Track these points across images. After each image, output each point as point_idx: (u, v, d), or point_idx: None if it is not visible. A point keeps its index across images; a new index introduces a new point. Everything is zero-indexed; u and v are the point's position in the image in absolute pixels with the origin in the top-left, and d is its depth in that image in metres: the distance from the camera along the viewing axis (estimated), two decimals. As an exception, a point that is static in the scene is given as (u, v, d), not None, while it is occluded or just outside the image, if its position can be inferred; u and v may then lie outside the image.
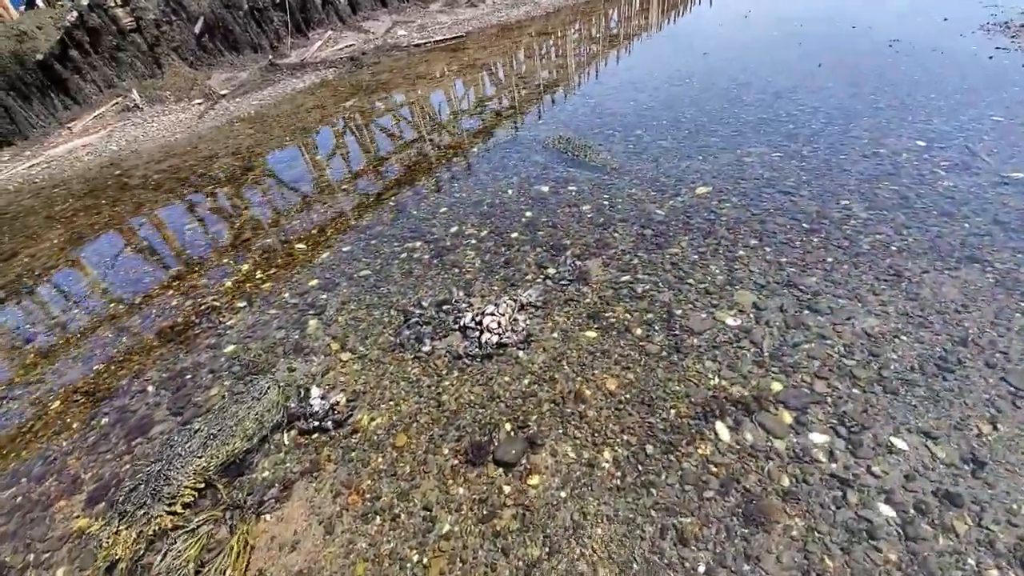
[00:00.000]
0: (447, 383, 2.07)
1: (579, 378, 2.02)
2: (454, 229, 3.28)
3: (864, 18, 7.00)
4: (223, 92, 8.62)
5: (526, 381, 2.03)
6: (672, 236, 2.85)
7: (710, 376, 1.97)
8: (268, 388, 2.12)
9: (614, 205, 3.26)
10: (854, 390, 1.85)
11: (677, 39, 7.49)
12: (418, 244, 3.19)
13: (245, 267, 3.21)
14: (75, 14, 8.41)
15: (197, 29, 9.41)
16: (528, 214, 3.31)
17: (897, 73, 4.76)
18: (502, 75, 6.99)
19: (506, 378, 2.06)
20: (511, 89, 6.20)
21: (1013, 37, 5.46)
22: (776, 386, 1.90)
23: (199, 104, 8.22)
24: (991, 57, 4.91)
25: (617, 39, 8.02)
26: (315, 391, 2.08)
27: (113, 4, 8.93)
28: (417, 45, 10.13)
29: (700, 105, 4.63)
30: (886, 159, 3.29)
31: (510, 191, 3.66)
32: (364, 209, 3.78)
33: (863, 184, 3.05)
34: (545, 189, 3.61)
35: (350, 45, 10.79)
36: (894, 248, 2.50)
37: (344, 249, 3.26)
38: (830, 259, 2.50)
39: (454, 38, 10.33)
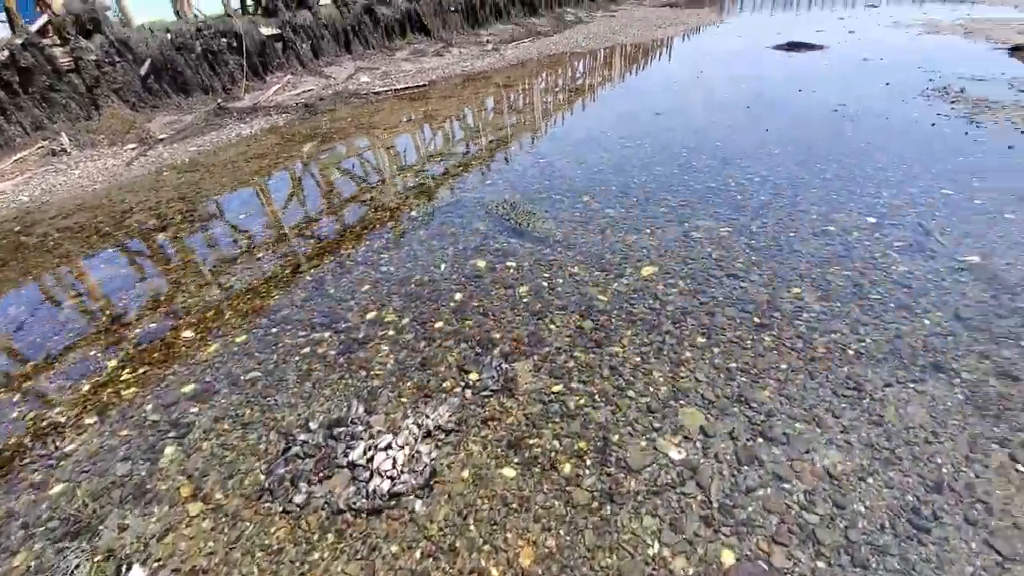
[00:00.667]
0: (316, 556, 1.60)
1: (487, 547, 1.59)
2: (372, 315, 2.87)
3: (809, 80, 7.25)
4: (162, 136, 8.14)
5: (418, 553, 1.58)
6: (614, 330, 2.52)
7: (649, 541, 1.57)
8: (78, 565, 1.60)
9: (554, 287, 2.94)
10: (819, 563, 1.49)
11: (633, 96, 7.55)
12: (326, 335, 2.75)
13: (112, 363, 2.68)
14: (6, 52, 7.88)
15: (143, 71, 8.99)
16: (458, 296, 2.95)
17: (843, 140, 4.78)
18: (456, 129, 6.81)
19: (394, 547, 1.61)
20: (463, 144, 5.99)
21: (953, 103, 5.65)
22: (727, 557, 1.52)
23: (131, 149, 7.70)
24: (933, 124, 5.02)
25: (576, 93, 8.06)
26: (138, 571, 1.57)
27: (50, 43, 8.47)
28: (377, 93, 9.99)
29: (650, 170, 4.48)
30: (837, 238, 3.12)
31: (443, 266, 3.31)
32: (276, 284, 3.34)
33: (814, 268, 2.85)
34: (482, 264, 3.28)
35: (308, 90, 10.56)
36: (851, 352, 2.24)
37: (238, 340, 2.78)
38: (783, 365, 2.21)
39: (416, 87, 10.26)
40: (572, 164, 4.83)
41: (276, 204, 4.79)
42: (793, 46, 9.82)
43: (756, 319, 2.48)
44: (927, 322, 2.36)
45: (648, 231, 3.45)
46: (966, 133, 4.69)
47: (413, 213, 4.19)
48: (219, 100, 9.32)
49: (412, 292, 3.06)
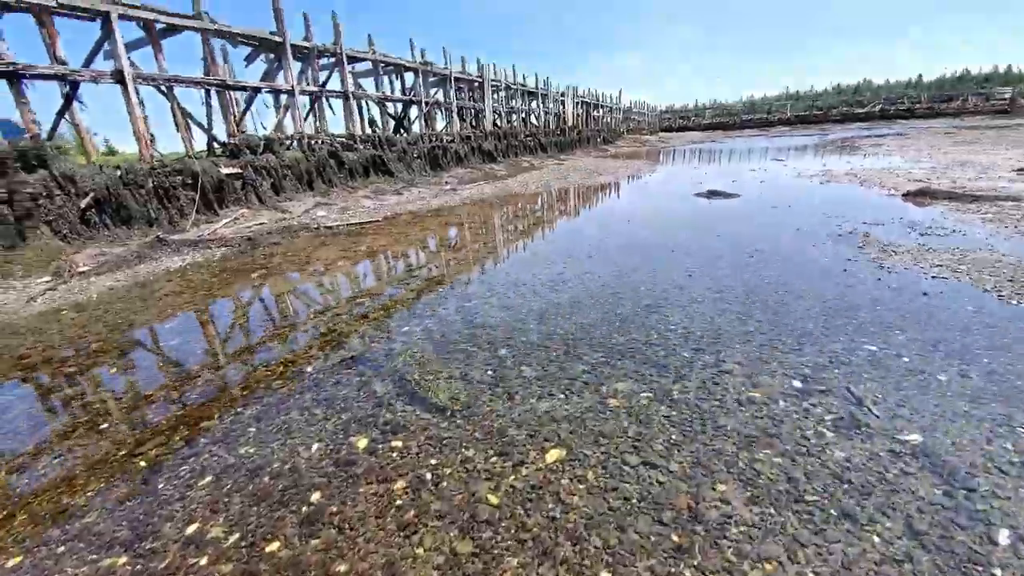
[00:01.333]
0: None
1: None
2: (193, 528, 2.18)
3: (728, 226, 7.79)
4: (83, 269, 7.71)
5: None
6: (496, 557, 1.92)
7: None
8: None
9: (439, 480, 2.37)
10: None
11: (568, 237, 7.85)
12: (120, 562, 2.02)
13: None
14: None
15: (83, 204, 8.90)
16: (315, 497, 2.32)
17: (761, 288, 4.82)
18: (396, 265, 6.72)
19: None
20: (396, 283, 5.80)
21: (860, 247, 6.00)
22: None
23: (44, 283, 7.16)
24: (845, 269, 5.20)
25: (516, 233, 8.37)
26: None
27: (-10, 177, 8.38)
28: (329, 227, 10.16)
29: (574, 318, 4.28)
30: (763, 408, 2.79)
31: (315, 446, 2.72)
32: (99, 473, 2.62)
33: (741, 452, 2.44)
34: (362, 444, 2.71)
35: (260, 223, 10.66)
36: (793, 595, 1.72)
37: (9, 564, 2.01)
38: (709, 620, 1.65)
39: (370, 221, 10.56)
40: (498, 309, 4.61)
41: (158, 357, 4.21)
42: (713, 194, 10.89)
43: (675, 537, 1.96)
44: (876, 540, 1.90)
45: (563, 396, 3.04)
46: (879, 279, 4.83)
47: (309, 368, 3.69)
48: (159, 232, 9.17)
49: (260, 490, 2.41)
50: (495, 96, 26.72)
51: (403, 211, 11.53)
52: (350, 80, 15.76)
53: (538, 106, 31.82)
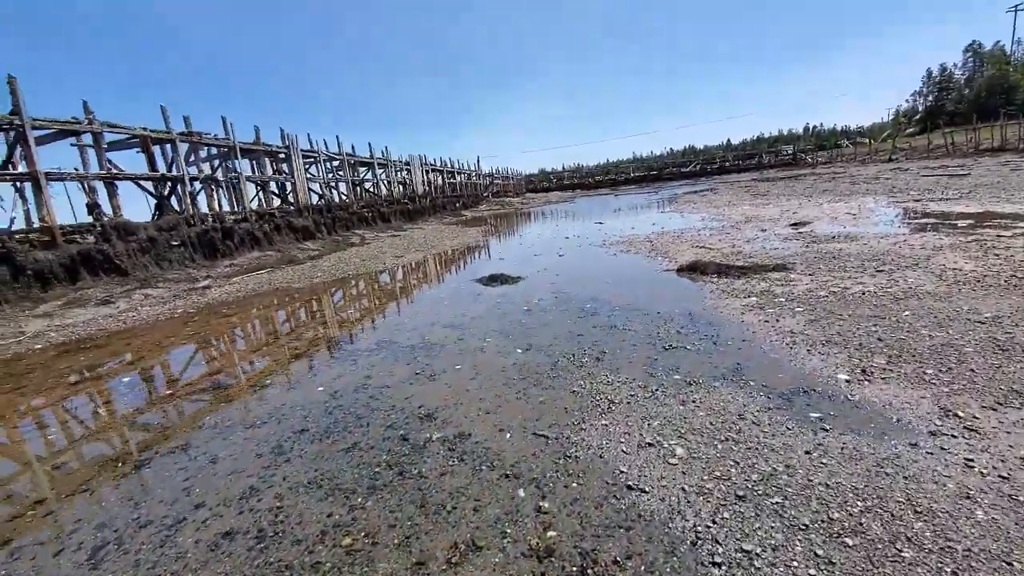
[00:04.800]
0: None
1: None
2: None
3: (470, 328, 5.56)
4: None
5: None
6: None
7: None
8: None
9: None
10: None
11: (412, 323, 4.89)
12: None
13: None
14: None
15: None
16: None
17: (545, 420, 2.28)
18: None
19: None
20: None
21: (597, 361, 3.94)
22: None
23: None
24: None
25: (338, 337, 5.16)
26: None
27: None
28: None
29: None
30: None
31: None
32: None
33: None
34: None
35: None
36: None
37: None
38: None
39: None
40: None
41: None
42: (493, 280, 8.96)
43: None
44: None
45: None
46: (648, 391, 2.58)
47: None
48: None
49: None
50: (314, 168, 23.97)
51: (69, 338, 7.59)
52: (37, 155, 11.64)
53: (377, 176, 29.75)
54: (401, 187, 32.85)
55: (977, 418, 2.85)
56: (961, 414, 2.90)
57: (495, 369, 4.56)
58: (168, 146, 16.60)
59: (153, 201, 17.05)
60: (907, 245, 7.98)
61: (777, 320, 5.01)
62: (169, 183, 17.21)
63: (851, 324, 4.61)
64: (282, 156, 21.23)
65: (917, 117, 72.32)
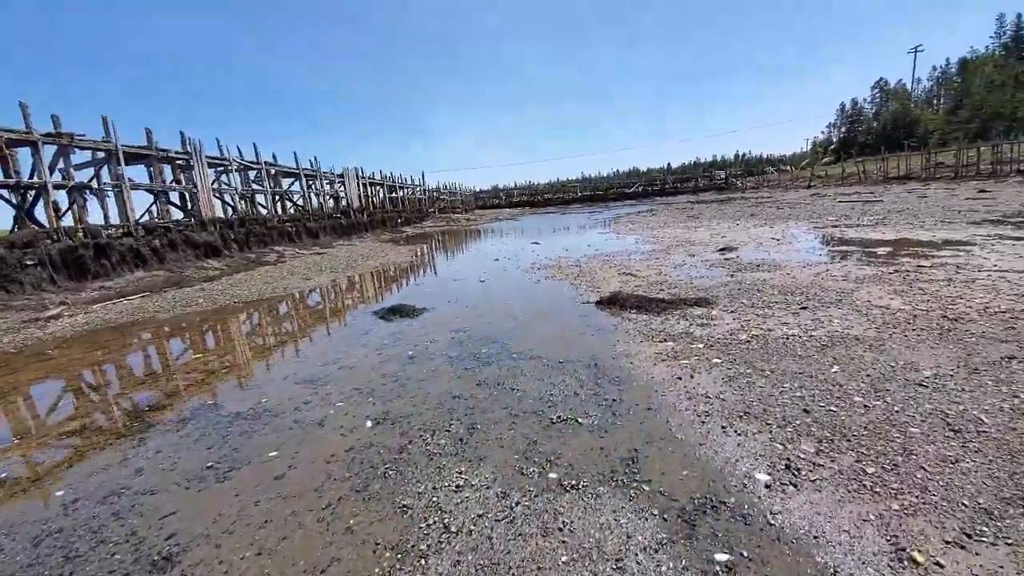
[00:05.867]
0: None
1: None
2: None
3: (376, 374, 4.25)
4: None
5: None
6: None
7: None
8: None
9: None
10: None
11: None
12: None
13: None
14: None
15: None
16: None
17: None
18: None
19: None
20: None
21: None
22: None
23: None
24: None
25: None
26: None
27: None
28: None
29: None
30: None
31: None
32: None
33: None
34: None
35: None
36: None
37: None
38: None
39: None
40: None
41: None
42: (393, 312, 7.69)
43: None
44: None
45: None
46: None
47: None
48: None
49: None
50: (227, 178, 21.66)
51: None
52: None
53: (304, 188, 27.61)
54: (333, 201, 30.80)
55: (941, 566, 1.96)
56: (919, 557, 2.01)
57: (320, 459, 3.30)
58: (30, 149, 14.02)
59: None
60: (830, 276, 7.58)
61: (691, 376, 4.12)
62: (33, 192, 14.58)
63: (774, 384, 3.79)
64: (181, 163, 18.88)
65: (832, 147, 79.39)
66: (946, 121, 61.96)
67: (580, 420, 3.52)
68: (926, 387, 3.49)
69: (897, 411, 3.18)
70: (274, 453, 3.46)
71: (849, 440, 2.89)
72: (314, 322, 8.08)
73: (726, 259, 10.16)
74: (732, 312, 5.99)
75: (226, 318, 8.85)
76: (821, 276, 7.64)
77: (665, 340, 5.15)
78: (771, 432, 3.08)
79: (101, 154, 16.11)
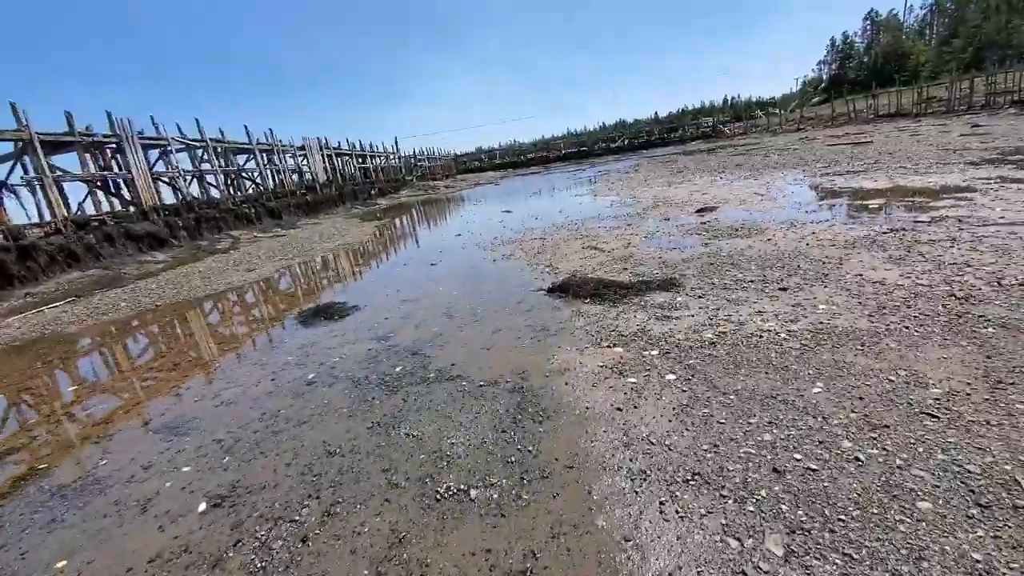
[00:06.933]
0: None
1: None
2: None
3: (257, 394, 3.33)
4: None
5: None
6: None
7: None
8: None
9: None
10: None
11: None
12: None
13: None
14: None
15: None
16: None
17: None
18: None
19: None
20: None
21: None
22: None
23: None
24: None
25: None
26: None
27: None
28: None
29: None
30: None
31: None
32: None
33: None
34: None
35: None
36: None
37: None
38: None
39: None
40: None
41: None
42: (318, 313, 6.69)
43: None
44: None
45: None
46: None
47: None
48: None
49: None
50: (173, 159, 19.88)
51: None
52: None
53: (261, 164, 25.75)
54: (296, 176, 28.96)
55: None
56: None
57: (108, 581, 2.39)
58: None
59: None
60: (816, 240, 6.60)
61: (635, 405, 3.20)
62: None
63: (738, 417, 2.87)
64: (112, 147, 17.12)
65: (823, 86, 76.38)
66: (939, 52, 59.39)
67: (475, 489, 2.60)
68: (937, 418, 2.59)
69: (900, 468, 2.28)
70: (62, 563, 2.54)
71: (834, 531, 2.00)
72: (224, 332, 7.03)
73: (703, 223, 9.12)
74: (700, 298, 5.03)
75: (134, 331, 7.77)
76: (806, 241, 6.66)
77: (615, 346, 4.20)
78: (725, 513, 2.18)
79: (13, 146, 14.40)
